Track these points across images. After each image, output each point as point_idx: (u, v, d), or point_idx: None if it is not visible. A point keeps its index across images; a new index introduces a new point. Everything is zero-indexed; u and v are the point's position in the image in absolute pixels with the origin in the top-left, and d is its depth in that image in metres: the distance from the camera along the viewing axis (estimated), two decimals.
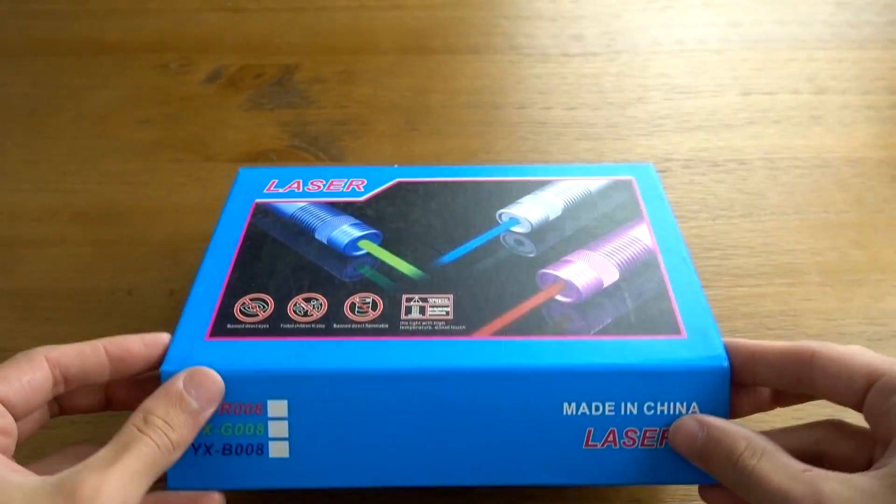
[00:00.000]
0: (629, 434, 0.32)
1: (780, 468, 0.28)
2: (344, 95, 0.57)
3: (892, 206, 0.49)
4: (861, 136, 0.54)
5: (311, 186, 0.42)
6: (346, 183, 0.42)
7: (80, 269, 0.47)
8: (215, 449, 0.32)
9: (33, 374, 0.29)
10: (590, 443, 0.32)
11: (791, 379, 0.31)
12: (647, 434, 0.32)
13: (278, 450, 0.32)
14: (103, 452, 0.27)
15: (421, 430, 0.32)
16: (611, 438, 0.32)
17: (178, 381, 0.30)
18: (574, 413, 0.32)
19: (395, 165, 0.44)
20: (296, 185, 0.42)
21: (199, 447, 0.32)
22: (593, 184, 0.42)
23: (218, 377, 0.31)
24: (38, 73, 0.59)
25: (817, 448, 0.31)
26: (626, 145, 0.53)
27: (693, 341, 0.33)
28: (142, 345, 0.32)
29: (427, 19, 0.63)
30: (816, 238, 0.48)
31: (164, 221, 0.49)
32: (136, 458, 0.27)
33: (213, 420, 0.31)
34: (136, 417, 0.29)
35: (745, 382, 0.32)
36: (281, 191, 0.41)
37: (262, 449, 0.32)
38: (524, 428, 0.32)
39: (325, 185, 0.42)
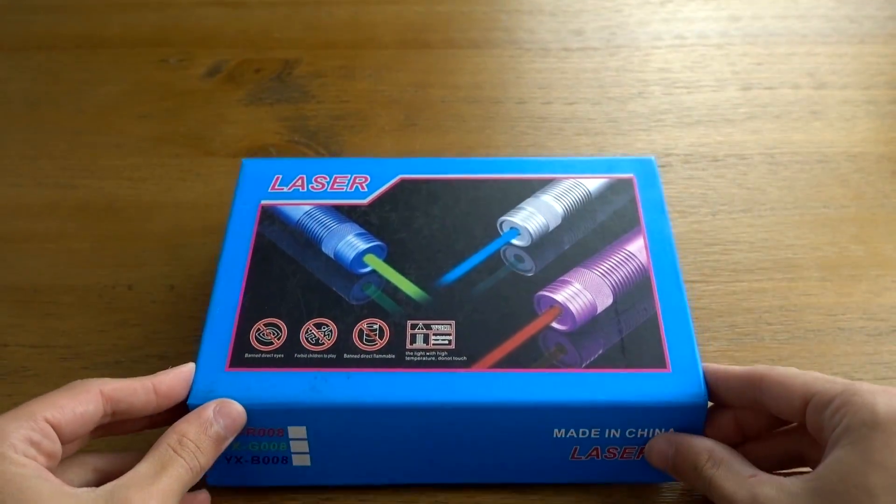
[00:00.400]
0: (610, 450, 0.36)
1: (733, 475, 0.32)
2: (344, 90, 0.57)
3: (892, 202, 0.49)
4: (861, 131, 0.54)
5: (314, 185, 0.43)
6: (349, 180, 0.43)
7: (79, 263, 0.47)
8: (245, 459, 0.36)
9: (87, 406, 0.32)
10: (575, 456, 0.36)
11: (747, 400, 0.34)
12: (627, 450, 0.36)
13: (301, 460, 0.36)
14: (144, 469, 0.31)
15: (426, 446, 0.36)
16: (594, 454, 0.36)
17: (210, 410, 0.33)
18: (563, 436, 0.35)
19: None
20: (300, 182, 0.43)
21: (231, 458, 0.36)
22: (593, 184, 0.43)
23: (241, 410, 0.34)
24: (37, 68, 0.59)
25: (800, 450, 0.35)
26: (626, 140, 0.53)
27: (677, 377, 0.35)
28: (184, 383, 0.35)
29: (427, 14, 0.62)
30: (816, 233, 0.48)
31: (163, 216, 0.49)
32: (173, 478, 0.31)
33: (240, 438, 0.35)
34: (171, 438, 0.32)
35: (710, 402, 0.36)
36: (285, 189, 0.43)
37: (286, 460, 0.36)
38: (517, 446, 0.36)
39: (328, 184, 0.43)
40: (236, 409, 0.34)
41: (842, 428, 0.30)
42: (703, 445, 0.34)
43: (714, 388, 0.35)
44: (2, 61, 0.60)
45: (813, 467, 0.31)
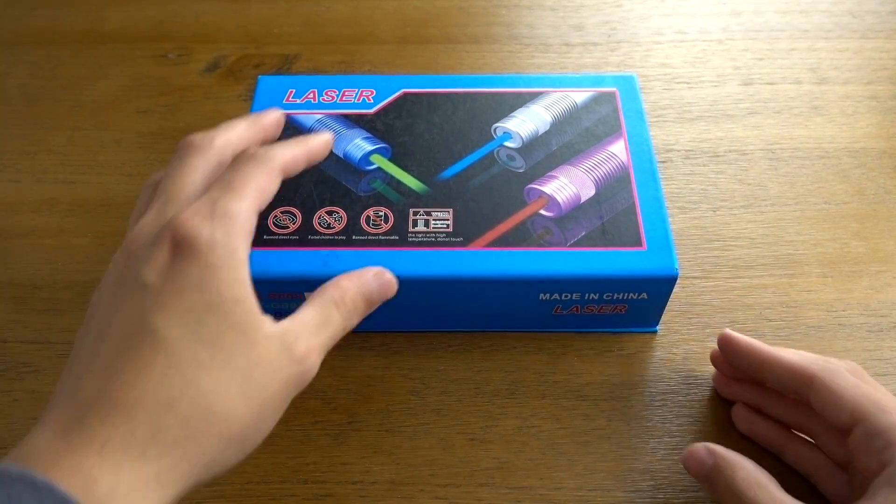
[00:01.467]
0: (589, 307, 0.41)
1: (770, 501, 0.32)
2: None
3: (893, 197, 0.49)
4: (863, 126, 0.53)
5: (325, 97, 0.47)
6: (356, 93, 0.47)
7: (78, 260, 0.47)
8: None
9: (275, 189, 0.33)
10: (558, 311, 0.42)
11: (790, 391, 0.36)
12: (604, 308, 0.41)
13: None
14: (310, 318, 0.31)
15: (427, 310, 0.42)
16: (574, 310, 0.42)
17: (370, 273, 0.34)
18: (548, 299, 0.41)
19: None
20: (311, 95, 0.47)
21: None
22: (580, 96, 0.47)
23: (394, 281, 0.35)
24: (35, 64, 0.59)
25: (814, 470, 0.37)
26: None
27: (651, 253, 0.40)
28: (328, 147, 0.37)
29: (426, 9, 0.62)
30: (817, 229, 0.48)
31: None
32: (330, 335, 0.32)
33: (265, 303, 0.32)
34: (335, 293, 0.32)
35: (752, 379, 0.38)
36: (299, 101, 0.47)
37: None
38: (507, 307, 0.41)
39: (337, 96, 0.47)
40: (390, 279, 0.35)
41: (894, 468, 0.31)
42: (743, 465, 0.34)
43: (758, 367, 0.37)
44: (0, 56, 0.59)
45: (823, 487, 0.34)
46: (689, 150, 0.52)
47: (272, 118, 0.37)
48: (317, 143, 0.36)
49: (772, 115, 0.54)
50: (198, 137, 0.33)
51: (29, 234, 0.48)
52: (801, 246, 0.47)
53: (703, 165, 0.51)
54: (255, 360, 0.28)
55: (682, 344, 0.43)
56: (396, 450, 0.39)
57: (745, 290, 0.45)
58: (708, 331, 0.43)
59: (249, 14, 0.62)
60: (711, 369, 0.42)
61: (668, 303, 0.44)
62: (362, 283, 0.34)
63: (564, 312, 0.42)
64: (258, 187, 0.31)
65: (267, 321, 0.29)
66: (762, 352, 0.37)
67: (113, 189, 0.50)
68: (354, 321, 0.33)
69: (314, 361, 0.31)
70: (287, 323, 0.30)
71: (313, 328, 0.31)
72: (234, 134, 0.34)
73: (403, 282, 0.37)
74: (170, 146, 0.53)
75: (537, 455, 0.39)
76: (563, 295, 0.40)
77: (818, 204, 0.49)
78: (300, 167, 0.35)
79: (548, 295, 0.40)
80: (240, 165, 0.32)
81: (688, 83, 0.56)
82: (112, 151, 0.53)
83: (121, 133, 0.54)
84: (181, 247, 0.28)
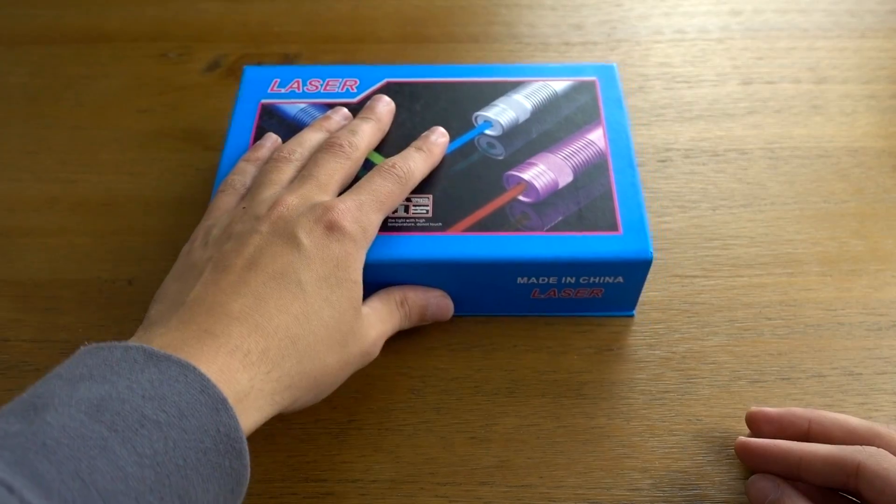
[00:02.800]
0: (566, 291, 0.42)
1: None
2: None
3: (892, 196, 0.49)
4: (862, 125, 0.54)
5: (309, 87, 0.48)
6: (340, 83, 0.48)
7: (79, 259, 0.47)
8: None
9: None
10: (536, 296, 0.42)
11: (837, 484, 0.34)
12: (580, 292, 0.42)
13: None
14: (380, 308, 0.39)
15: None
16: (552, 294, 0.42)
17: (432, 294, 0.41)
18: (525, 282, 0.41)
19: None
20: (296, 84, 0.48)
21: None
22: (560, 85, 0.47)
23: (451, 307, 0.42)
24: (36, 63, 0.59)
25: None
26: None
27: (627, 237, 0.40)
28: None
29: (427, 8, 0.62)
30: (816, 228, 0.48)
31: (163, 211, 0.49)
32: (391, 329, 0.39)
33: None
34: (400, 294, 0.40)
35: (792, 480, 0.36)
36: (283, 91, 0.48)
37: None
38: (486, 291, 0.42)
39: (322, 85, 0.48)
40: (448, 305, 0.42)
41: None
42: None
43: (795, 470, 0.35)
44: (1, 56, 0.59)
45: None
46: (688, 150, 0.52)
47: (388, 116, 0.44)
48: (440, 155, 0.43)
49: (771, 115, 0.54)
50: (345, 142, 0.40)
51: (30, 233, 0.48)
52: (801, 245, 0.47)
53: (703, 164, 0.51)
54: (354, 330, 0.36)
55: (682, 343, 0.43)
56: (397, 448, 0.39)
57: (745, 288, 0.45)
58: (707, 329, 0.43)
59: (250, 13, 0.62)
60: (711, 368, 0.42)
61: (668, 301, 0.44)
62: (425, 297, 0.41)
63: (542, 296, 0.42)
64: (393, 204, 0.39)
65: (364, 304, 0.37)
66: (795, 451, 0.35)
67: (114, 188, 0.51)
68: (406, 325, 0.41)
69: (379, 347, 0.38)
70: (366, 309, 0.38)
71: (379, 318, 0.38)
72: (370, 142, 0.42)
73: (382, 266, 0.39)
74: (171, 145, 0.53)
75: (537, 453, 0.39)
76: (541, 279, 0.41)
77: (817, 203, 0.49)
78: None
79: (525, 278, 0.41)
80: (387, 180, 0.39)
81: (687, 82, 0.56)
82: (113, 150, 0.53)
83: (121, 132, 0.54)
84: (333, 230, 0.36)
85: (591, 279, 0.41)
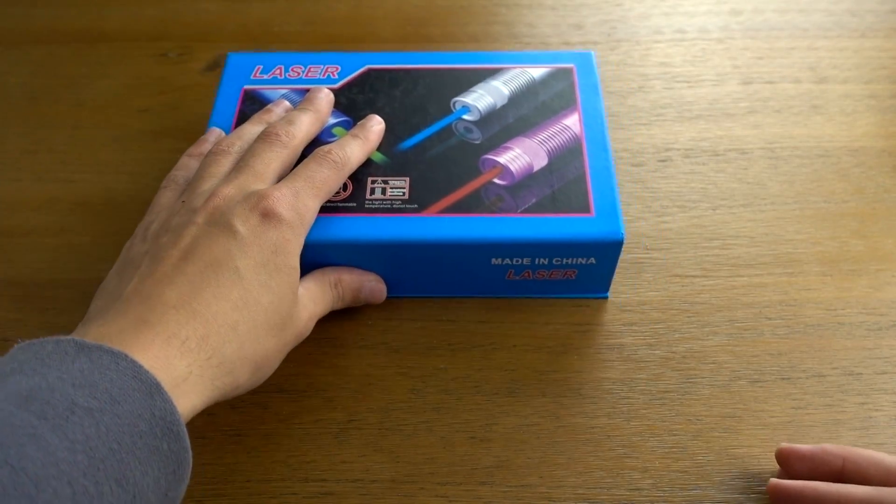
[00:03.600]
0: (540, 273, 0.42)
1: None
2: None
3: (892, 196, 0.49)
4: (862, 125, 0.54)
5: (291, 73, 0.48)
6: (322, 69, 0.49)
7: (79, 258, 0.47)
8: None
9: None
10: (511, 277, 0.43)
11: None
12: (554, 273, 0.43)
13: None
14: (313, 289, 0.40)
15: (384, 274, 0.43)
16: (527, 275, 0.43)
17: (369, 276, 0.42)
18: (500, 264, 0.42)
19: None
20: (278, 71, 0.49)
21: None
22: (538, 72, 0.48)
23: (383, 290, 0.43)
24: (36, 63, 0.59)
25: None
26: (626, 134, 0.53)
27: (599, 219, 0.41)
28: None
29: (427, 8, 0.62)
30: (817, 228, 0.48)
31: None
32: (322, 310, 0.40)
33: None
34: (334, 276, 0.41)
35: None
36: (266, 77, 0.48)
37: None
38: (461, 271, 0.42)
39: (304, 72, 0.49)
40: (381, 290, 0.43)
41: None
42: None
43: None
44: (1, 55, 0.59)
45: None
46: (688, 149, 0.52)
47: (327, 106, 0.45)
48: (376, 141, 0.44)
49: (771, 114, 0.54)
50: (282, 132, 0.40)
51: (30, 233, 0.48)
52: (801, 245, 0.47)
53: (703, 164, 0.51)
54: (292, 314, 0.37)
55: (682, 342, 0.43)
56: (396, 448, 0.39)
57: (745, 288, 0.45)
58: (707, 329, 0.43)
59: (250, 13, 0.62)
60: (711, 367, 0.42)
61: (668, 301, 0.44)
62: (360, 279, 0.42)
63: (517, 277, 0.43)
64: (330, 190, 0.40)
65: (300, 287, 0.38)
66: (832, 494, 0.34)
67: (114, 188, 0.51)
68: (339, 306, 0.42)
69: (310, 327, 0.39)
70: (301, 290, 0.38)
71: (312, 299, 0.39)
72: (307, 131, 0.42)
73: (359, 246, 0.41)
74: (170, 145, 0.53)
75: (537, 453, 0.39)
76: (515, 260, 0.41)
77: (818, 203, 0.49)
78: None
79: (499, 259, 0.41)
80: (322, 166, 0.39)
81: (687, 82, 0.56)
82: (113, 150, 0.53)
83: (121, 132, 0.54)
84: (269, 217, 0.36)
85: (564, 260, 0.41)
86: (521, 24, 0.61)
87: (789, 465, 0.36)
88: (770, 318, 0.44)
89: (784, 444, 0.37)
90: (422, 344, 0.43)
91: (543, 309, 0.44)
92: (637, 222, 0.48)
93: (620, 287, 0.45)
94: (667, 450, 0.39)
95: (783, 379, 0.41)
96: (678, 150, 0.52)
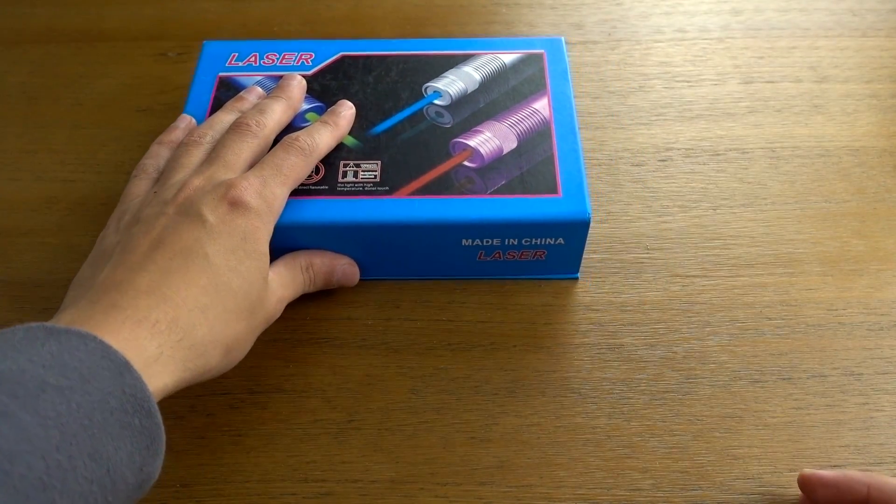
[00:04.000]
0: (511, 254, 0.43)
1: None
2: None
3: (893, 196, 0.49)
4: (863, 125, 0.53)
5: (266, 60, 0.49)
6: (296, 57, 0.49)
7: (79, 258, 0.46)
8: None
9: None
10: (482, 258, 0.44)
11: None
12: (524, 254, 0.43)
13: None
14: (284, 273, 0.40)
15: (356, 256, 0.43)
16: (497, 256, 0.43)
17: (342, 259, 0.43)
18: (470, 244, 0.43)
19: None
20: (253, 58, 0.49)
21: None
22: (509, 58, 0.49)
23: (356, 272, 0.44)
24: (35, 62, 0.59)
25: None
26: (626, 134, 0.53)
27: (566, 199, 0.42)
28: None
29: (426, 7, 0.62)
30: (817, 227, 0.48)
31: None
32: (293, 294, 0.41)
33: None
34: (305, 260, 0.41)
35: None
36: (240, 64, 0.49)
37: None
38: (433, 253, 0.43)
39: (278, 59, 0.49)
40: (354, 272, 0.43)
41: None
42: None
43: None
44: (0, 55, 0.59)
45: None
46: (689, 149, 0.52)
47: (299, 94, 0.45)
48: (347, 127, 0.44)
49: (772, 114, 0.54)
50: (252, 122, 0.41)
51: (29, 233, 0.48)
52: (802, 244, 0.47)
53: (704, 164, 0.51)
54: (262, 299, 0.37)
55: (683, 343, 0.43)
56: (396, 448, 0.39)
57: (746, 288, 0.45)
58: (708, 329, 0.43)
59: (249, 12, 0.62)
60: (712, 367, 0.42)
61: (668, 301, 0.44)
62: (332, 263, 0.42)
63: (488, 259, 0.43)
64: (298, 178, 0.40)
65: (270, 272, 0.38)
66: (863, 478, 0.34)
67: (113, 188, 0.50)
68: (310, 289, 0.42)
69: (280, 310, 0.40)
70: (271, 274, 0.39)
71: (282, 283, 0.40)
72: (279, 120, 0.43)
73: (330, 228, 0.41)
74: None
75: (537, 453, 0.39)
76: (485, 240, 0.42)
77: (818, 202, 0.49)
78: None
79: (470, 241, 0.42)
80: (290, 153, 0.40)
81: (688, 82, 0.56)
82: (112, 150, 0.53)
83: (121, 131, 0.54)
84: (237, 205, 0.37)
85: (533, 241, 0.42)
86: (521, 24, 0.61)
87: (812, 490, 0.35)
88: (771, 318, 0.44)
89: (807, 470, 0.35)
90: (422, 344, 0.43)
91: (544, 309, 0.44)
92: (637, 222, 0.48)
93: (620, 287, 0.45)
94: (667, 450, 0.39)
95: (784, 379, 0.41)
96: (679, 149, 0.52)
